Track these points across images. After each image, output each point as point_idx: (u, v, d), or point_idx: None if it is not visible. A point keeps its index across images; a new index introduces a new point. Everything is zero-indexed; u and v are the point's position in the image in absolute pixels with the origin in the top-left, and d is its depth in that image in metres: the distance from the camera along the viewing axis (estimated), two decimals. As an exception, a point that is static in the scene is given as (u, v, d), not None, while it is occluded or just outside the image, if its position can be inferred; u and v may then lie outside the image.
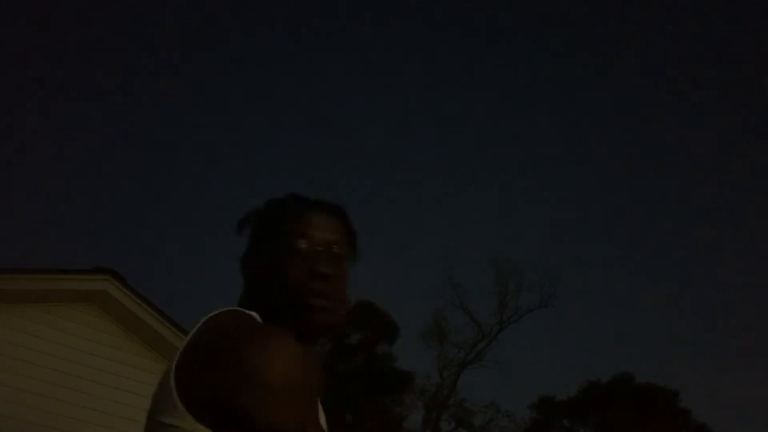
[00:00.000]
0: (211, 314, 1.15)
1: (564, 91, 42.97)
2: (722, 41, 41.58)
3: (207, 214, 43.60)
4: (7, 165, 37.49)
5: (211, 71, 42.41)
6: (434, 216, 44.29)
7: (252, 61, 42.85)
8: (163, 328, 8.41)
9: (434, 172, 44.27)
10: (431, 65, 46.03)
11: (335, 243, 1.28)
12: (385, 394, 29.88)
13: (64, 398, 7.60)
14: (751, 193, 41.58)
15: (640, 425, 29.33)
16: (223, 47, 44.29)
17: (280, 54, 43.21)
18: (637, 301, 44.10)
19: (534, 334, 44.47)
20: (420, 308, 53.77)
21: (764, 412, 42.39)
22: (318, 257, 1.24)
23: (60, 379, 7.65)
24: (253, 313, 1.18)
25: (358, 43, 43.63)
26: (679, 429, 29.74)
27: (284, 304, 1.21)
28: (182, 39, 42.97)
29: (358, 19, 43.72)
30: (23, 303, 7.70)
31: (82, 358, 7.89)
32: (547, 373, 43.28)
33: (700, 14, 41.61)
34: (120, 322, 8.33)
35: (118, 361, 8.14)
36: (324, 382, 1.28)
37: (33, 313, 7.75)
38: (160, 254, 42.81)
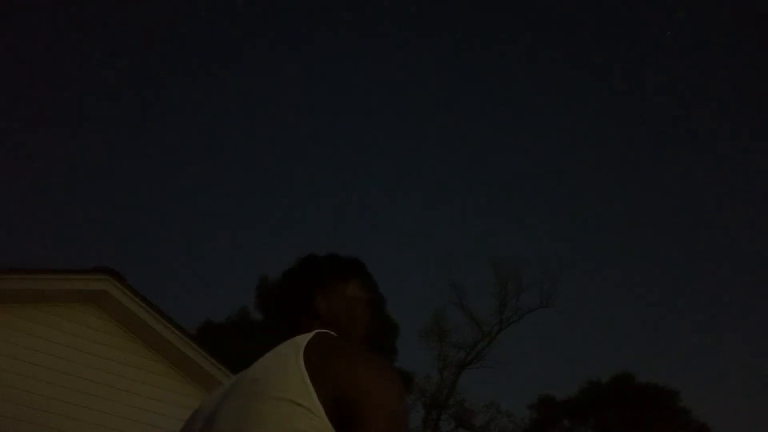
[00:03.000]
0: (319, 332, 1.38)
1: (564, 90, 42.97)
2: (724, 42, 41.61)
3: (207, 214, 43.61)
4: (8, 165, 37.49)
5: (211, 73, 42.43)
6: (434, 216, 44.31)
7: (255, 67, 42.85)
8: (163, 328, 8.42)
9: (434, 171, 44.29)
10: (429, 64, 46.06)
11: (382, 294, 1.71)
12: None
13: (64, 398, 7.59)
14: (751, 194, 41.59)
15: (640, 425, 29.33)
16: (228, 52, 44.28)
17: (284, 60, 43.22)
18: (637, 301, 44.12)
19: (534, 334, 44.49)
20: (420, 308, 53.78)
21: (764, 412, 42.37)
22: (379, 303, 1.66)
23: (60, 379, 7.65)
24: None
25: (358, 46, 43.65)
26: (679, 429, 29.74)
27: (381, 334, 1.62)
28: (183, 39, 42.98)
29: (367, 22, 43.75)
30: (23, 303, 7.70)
31: (82, 358, 7.89)
32: (547, 373, 43.27)
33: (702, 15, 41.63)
34: (120, 322, 8.33)
35: (118, 361, 8.14)
36: None
37: (33, 313, 7.75)
38: (160, 254, 42.83)
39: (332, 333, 1.41)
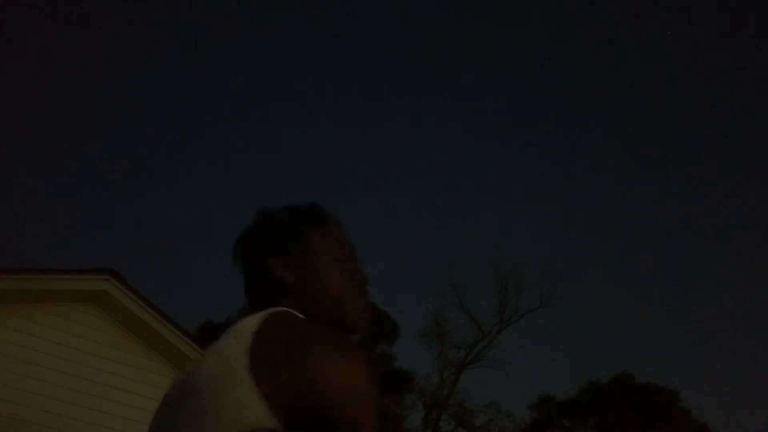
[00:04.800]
0: (270, 313, 1.12)
1: (564, 90, 42.96)
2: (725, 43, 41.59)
3: (207, 214, 43.61)
4: (8, 165, 37.49)
5: (212, 74, 42.42)
6: (434, 216, 44.31)
7: (255, 68, 42.87)
8: (163, 328, 8.41)
9: (434, 171, 44.29)
10: (429, 65, 46.06)
11: (356, 252, 1.41)
12: (385, 394, 29.88)
13: (64, 398, 7.59)
14: (751, 194, 41.58)
15: (640, 425, 29.32)
16: (228, 52, 44.28)
17: (282, 61, 43.23)
18: (637, 301, 44.12)
19: (534, 334, 44.48)
20: (420, 308, 53.80)
21: (764, 412, 42.38)
22: (353, 266, 1.37)
23: (60, 379, 7.65)
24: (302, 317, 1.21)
25: (358, 45, 43.66)
26: (679, 429, 29.73)
27: (333, 310, 1.29)
28: (183, 39, 42.98)
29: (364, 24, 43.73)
30: (23, 303, 7.70)
31: (82, 358, 7.89)
32: (547, 373, 43.33)
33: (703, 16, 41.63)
34: (120, 322, 8.33)
35: (118, 361, 8.14)
36: None
37: (33, 313, 7.75)
38: (160, 254, 42.83)
39: (288, 312, 1.17)
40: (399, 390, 30.14)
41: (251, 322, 1.09)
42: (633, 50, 42.64)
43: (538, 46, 44.51)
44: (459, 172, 44.73)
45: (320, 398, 1.00)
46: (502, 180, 43.26)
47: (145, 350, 8.39)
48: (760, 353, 42.33)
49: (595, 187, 42.46)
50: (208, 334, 24.70)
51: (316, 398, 0.99)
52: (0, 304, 7.51)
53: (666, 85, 43.43)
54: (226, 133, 43.66)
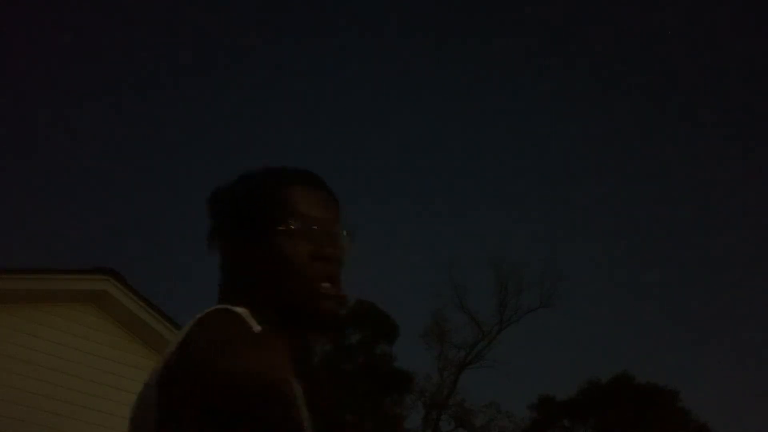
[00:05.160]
0: (200, 318, 1.05)
1: (564, 90, 42.95)
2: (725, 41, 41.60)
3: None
4: (8, 165, 37.48)
5: (211, 72, 42.42)
6: (434, 216, 44.30)
7: (255, 66, 42.84)
8: (163, 328, 8.42)
9: (434, 171, 44.29)
10: (430, 64, 46.07)
11: (334, 219, 1.17)
12: (385, 394, 29.87)
13: (64, 398, 7.59)
14: (751, 194, 41.58)
15: (640, 425, 29.32)
16: (228, 50, 44.27)
17: (282, 60, 43.22)
18: (637, 301, 44.12)
19: (534, 334, 44.48)
20: (420, 308, 53.81)
21: (764, 412, 42.39)
22: (320, 237, 1.12)
23: (60, 379, 7.65)
24: (243, 311, 1.07)
25: (358, 44, 43.66)
26: (679, 429, 29.73)
27: (287, 294, 1.10)
28: (183, 39, 42.97)
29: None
30: (23, 303, 7.70)
31: (82, 358, 7.89)
32: (547, 373, 43.31)
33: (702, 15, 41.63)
34: (120, 322, 8.34)
35: (118, 361, 8.14)
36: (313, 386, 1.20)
37: (33, 313, 7.75)
38: (160, 254, 42.82)
39: (220, 313, 1.07)
40: (399, 390, 30.12)
41: (183, 330, 1.04)
42: (633, 50, 42.66)
43: (537, 46, 44.52)
44: (459, 172, 44.75)
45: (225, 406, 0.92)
46: (503, 180, 43.27)
47: (145, 350, 8.39)
48: (760, 353, 42.36)
49: (595, 187, 42.48)
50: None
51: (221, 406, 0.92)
52: (0, 304, 7.51)
53: (666, 84, 43.45)
54: (226, 133, 43.67)
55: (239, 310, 1.08)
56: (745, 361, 42.26)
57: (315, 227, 1.13)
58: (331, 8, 45.01)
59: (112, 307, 8.26)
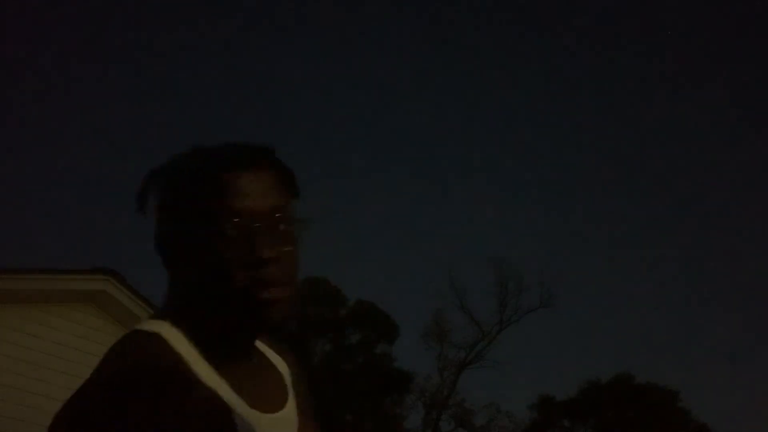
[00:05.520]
0: (118, 342, 0.94)
1: (564, 90, 42.95)
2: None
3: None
4: (8, 165, 37.49)
5: (211, 69, 42.43)
6: (434, 216, 44.30)
7: (255, 64, 42.87)
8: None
9: (434, 172, 44.29)
10: (430, 64, 46.05)
11: (277, 207, 0.96)
12: (385, 394, 29.88)
13: (64, 398, 7.54)
14: (752, 195, 41.59)
15: (640, 425, 29.32)
16: (228, 46, 44.26)
17: (282, 57, 43.22)
18: (637, 301, 44.12)
19: (534, 334, 44.48)
20: (420, 308, 53.82)
21: (764, 412, 42.39)
22: (257, 235, 0.93)
23: (60, 379, 7.64)
24: (167, 329, 0.94)
25: (358, 44, 43.66)
26: (679, 429, 29.73)
27: (219, 304, 0.93)
28: (183, 39, 42.98)
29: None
30: (23, 303, 7.70)
31: (82, 358, 7.88)
32: (547, 373, 43.34)
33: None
34: (120, 322, 8.33)
35: (118, 361, 8.14)
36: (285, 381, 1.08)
37: (33, 313, 7.75)
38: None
39: (137, 336, 0.94)
40: (399, 390, 30.12)
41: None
42: (634, 48, 42.66)
43: (537, 45, 44.53)
44: (459, 172, 44.75)
45: None
46: (503, 180, 43.28)
47: (145, 350, 8.39)
48: (760, 353, 42.35)
49: (595, 187, 42.48)
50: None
51: None
52: (0, 304, 7.51)
53: (666, 85, 43.45)
54: (225, 133, 43.61)
55: (163, 329, 0.94)
56: (745, 361, 42.27)
57: (250, 224, 0.93)
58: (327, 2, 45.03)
59: (111, 307, 8.26)
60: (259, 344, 1.06)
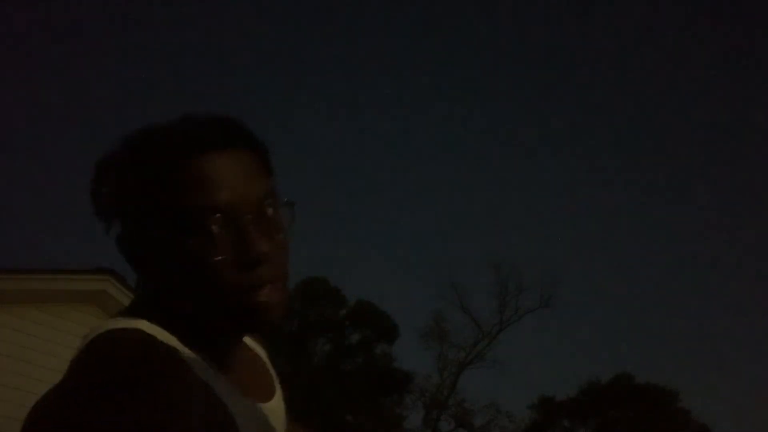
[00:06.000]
0: (89, 342, 0.84)
1: (564, 90, 42.96)
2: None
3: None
4: (8, 165, 37.49)
5: (211, 68, 42.43)
6: (434, 216, 44.30)
7: (254, 62, 42.86)
8: (163, 328, 8.42)
9: (434, 172, 44.29)
10: (430, 65, 46.05)
11: (261, 194, 0.84)
12: (385, 394, 29.87)
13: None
14: (751, 194, 41.58)
15: (640, 425, 29.32)
16: (230, 43, 44.26)
17: (283, 57, 43.22)
18: (637, 301, 44.13)
19: (534, 334, 44.47)
20: (420, 308, 53.83)
21: (764, 412, 42.38)
22: (245, 230, 0.81)
23: (59, 379, 7.65)
24: (139, 325, 0.82)
25: (360, 44, 43.64)
26: (679, 429, 29.74)
27: (209, 310, 0.82)
28: (182, 41, 42.97)
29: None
30: (23, 303, 7.70)
31: (82, 358, 7.90)
32: (547, 373, 43.33)
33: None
34: (120, 322, 8.34)
35: (118, 361, 8.14)
36: (275, 383, 1.00)
37: (33, 313, 7.75)
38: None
39: (115, 336, 0.82)
40: (399, 390, 30.13)
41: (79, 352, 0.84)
42: (640, 46, 42.67)
43: (537, 45, 44.52)
44: (459, 172, 44.74)
45: None
46: (503, 180, 43.27)
47: (145, 350, 8.39)
48: (760, 353, 42.35)
49: (595, 187, 42.48)
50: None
51: None
52: (0, 304, 7.51)
53: (665, 85, 43.44)
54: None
55: (143, 325, 0.82)
56: (746, 361, 42.26)
57: (235, 218, 0.80)
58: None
59: (112, 307, 8.25)
60: None
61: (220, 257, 0.80)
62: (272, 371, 1.02)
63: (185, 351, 0.83)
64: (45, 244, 35.97)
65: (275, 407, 0.95)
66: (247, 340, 1.00)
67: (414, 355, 48.83)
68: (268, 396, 0.95)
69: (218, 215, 0.80)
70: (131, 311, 0.86)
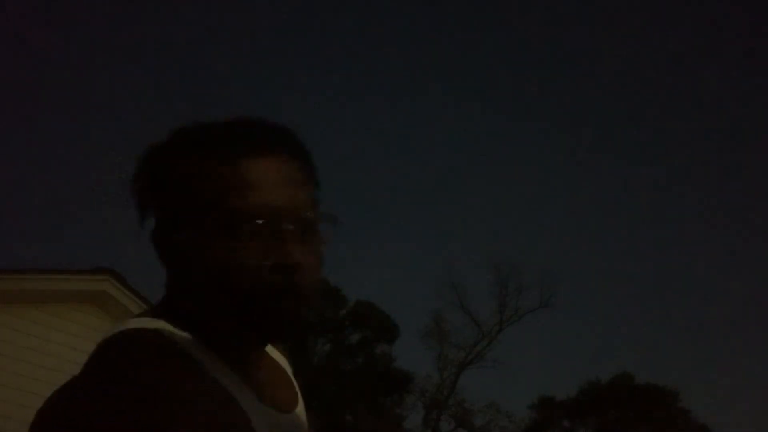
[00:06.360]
0: (108, 339, 0.82)
1: (564, 91, 42.98)
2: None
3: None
4: (8, 165, 37.49)
5: (211, 68, 42.45)
6: (434, 216, 44.30)
7: (252, 60, 42.87)
8: (163, 328, 8.42)
9: (434, 172, 44.29)
10: (431, 64, 46.05)
11: (302, 204, 0.83)
12: (385, 395, 29.87)
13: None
14: (751, 194, 41.57)
15: (640, 425, 29.32)
16: (230, 45, 44.26)
17: (283, 57, 43.21)
18: (637, 301, 44.12)
19: (534, 334, 44.48)
20: (420, 308, 53.83)
21: (764, 413, 42.39)
22: (285, 239, 0.80)
23: (60, 379, 7.60)
24: (160, 328, 0.82)
25: (360, 43, 43.63)
26: (679, 429, 29.74)
27: (239, 316, 0.82)
28: (184, 42, 42.95)
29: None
30: (23, 303, 7.70)
31: (82, 358, 7.82)
32: (547, 373, 43.33)
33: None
34: (120, 323, 8.34)
35: (118, 361, 8.14)
36: (295, 387, 1.00)
37: (33, 313, 7.75)
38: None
39: (137, 335, 0.80)
40: (399, 390, 30.12)
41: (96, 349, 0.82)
42: (639, 46, 42.66)
43: (536, 45, 44.53)
44: (459, 172, 44.75)
45: None
46: (503, 180, 43.27)
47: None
48: (760, 353, 42.35)
49: (595, 187, 42.48)
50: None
51: None
52: (0, 304, 7.51)
53: (666, 85, 43.43)
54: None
55: (158, 325, 0.82)
56: (745, 361, 42.27)
57: (277, 226, 0.80)
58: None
59: (112, 307, 8.26)
60: None
61: (257, 260, 0.79)
62: (296, 385, 1.00)
63: (202, 352, 0.82)
64: (45, 244, 35.98)
65: (295, 420, 0.93)
66: (273, 351, 0.99)
67: (414, 355, 48.87)
68: (290, 407, 0.93)
69: (261, 220, 0.80)
70: (152, 312, 0.86)
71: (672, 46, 42.01)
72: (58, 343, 7.79)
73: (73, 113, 41.76)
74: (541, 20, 43.62)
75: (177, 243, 0.83)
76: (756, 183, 41.94)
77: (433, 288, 47.86)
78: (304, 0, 44.09)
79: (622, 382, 31.04)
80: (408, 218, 43.90)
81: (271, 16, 44.03)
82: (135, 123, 41.88)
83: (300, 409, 0.97)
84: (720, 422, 40.73)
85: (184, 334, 0.82)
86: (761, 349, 42.43)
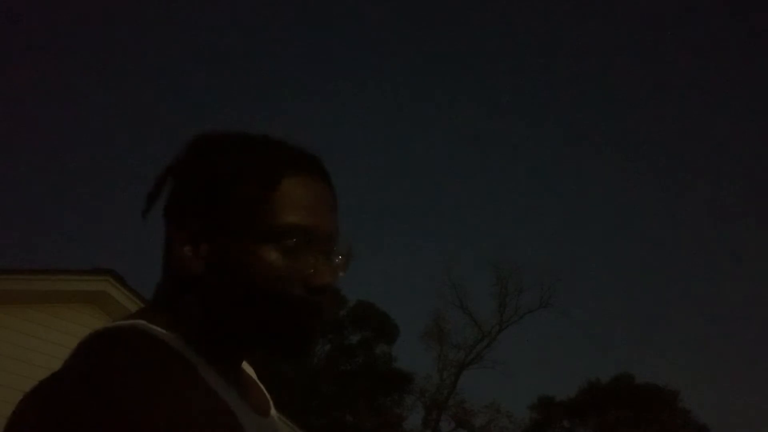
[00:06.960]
0: (98, 334, 0.80)
1: (564, 91, 42.97)
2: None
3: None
4: (8, 164, 37.50)
5: (212, 76, 42.44)
6: (434, 216, 44.30)
7: (252, 60, 42.87)
8: (163, 328, 8.42)
9: (435, 172, 44.29)
10: (431, 64, 46.07)
11: (334, 227, 0.86)
12: (385, 395, 29.87)
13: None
14: (751, 194, 41.57)
15: (640, 425, 29.33)
16: (230, 47, 44.27)
17: (283, 56, 43.22)
18: (637, 301, 44.12)
19: (534, 334, 44.48)
20: (420, 308, 53.83)
21: (764, 413, 42.38)
22: (318, 255, 0.83)
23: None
24: (143, 327, 0.80)
25: (360, 43, 43.65)
26: (679, 429, 29.74)
27: (258, 321, 0.82)
28: (183, 42, 42.95)
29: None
30: (23, 303, 7.70)
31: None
32: (547, 373, 43.30)
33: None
34: (120, 323, 8.34)
35: (118, 362, 8.14)
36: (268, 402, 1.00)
37: (33, 313, 7.75)
38: (160, 254, 42.72)
39: (135, 332, 0.79)
40: (399, 390, 30.12)
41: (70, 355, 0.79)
42: (639, 45, 42.66)
43: (536, 45, 44.54)
44: (459, 172, 44.75)
45: None
46: (503, 180, 43.27)
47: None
48: (760, 353, 42.35)
49: (594, 187, 42.48)
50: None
51: None
52: (0, 304, 7.51)
53: (667, 84, 43.45)
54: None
55: (140, 324, 0.80)
56: (745, 361, 42.27)
57: (314, 241, 0.82)
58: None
59: (112, 307, 8.26)
60: None
61: (293, 275, 0.81)
62: (264, 389, 1.01)
63: (194, 355, 0.81)
64: (45, 244, 35.98)
65: (273, 423, 0.95)
66: None
67: (414, 355, 48.83)
68: (267, 411, 0.95)
69: (299, 237, 0.82)
70: (138, 314, 0.86)
71: (675, 45, 42.03)
72: (58, 344, 7.78)
73: (73, 113, 41.76)
74: (541, 19, 43.64)
75: (211, 250, 0.83)
76: (756, 182, 41.96)
77: (433, 288, 47.85)
78: (303, 1, 44.12)
79: (622, 382, 31.04)
80: (408, 218, 43.93)
81: (272, 15, 44.04)
82: (135, 123, 41.83)
83: (274, 412, 0.98)
84: (720, 422, 40.74)
85: (169, 334, 0.81)
86: (761, 349, 42.46)
